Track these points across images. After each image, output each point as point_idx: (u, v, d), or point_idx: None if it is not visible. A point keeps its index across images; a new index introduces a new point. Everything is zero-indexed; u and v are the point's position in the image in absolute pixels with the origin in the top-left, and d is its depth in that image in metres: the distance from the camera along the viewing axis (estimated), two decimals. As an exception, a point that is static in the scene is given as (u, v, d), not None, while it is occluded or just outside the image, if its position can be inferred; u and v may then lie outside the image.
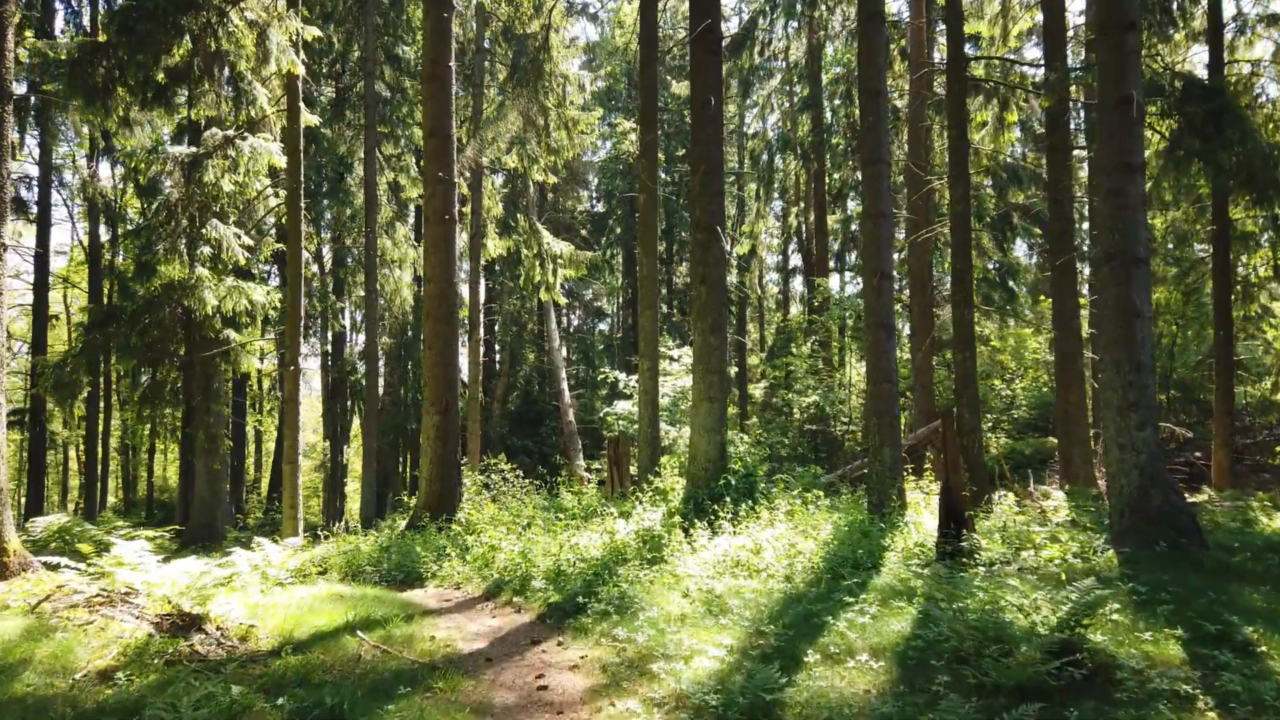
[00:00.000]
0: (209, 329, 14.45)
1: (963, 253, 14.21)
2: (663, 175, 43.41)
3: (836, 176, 31.54)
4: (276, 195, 15.62)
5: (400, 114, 28.03)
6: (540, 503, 19.16)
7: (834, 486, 16.61)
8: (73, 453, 47.45)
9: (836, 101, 30.28)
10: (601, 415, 30.15)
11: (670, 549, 10.05)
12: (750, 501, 11.83)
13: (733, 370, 38.57)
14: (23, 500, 35.83)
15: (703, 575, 9.03)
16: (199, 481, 18.26)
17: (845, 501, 12.24)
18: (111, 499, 46.09)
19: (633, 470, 22.53)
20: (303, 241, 14.85)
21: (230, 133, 13.72)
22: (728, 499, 11.63)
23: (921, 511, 12.09)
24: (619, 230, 42.96)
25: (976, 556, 9.17)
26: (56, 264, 37.66)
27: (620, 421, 24.37)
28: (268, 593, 9.93)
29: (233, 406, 31.83)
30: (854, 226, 32.51)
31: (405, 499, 17.10)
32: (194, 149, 13.60)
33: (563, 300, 27.32)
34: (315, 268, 33.23)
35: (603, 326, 49.40)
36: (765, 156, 29.42)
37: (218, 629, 7.42)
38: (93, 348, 13.90)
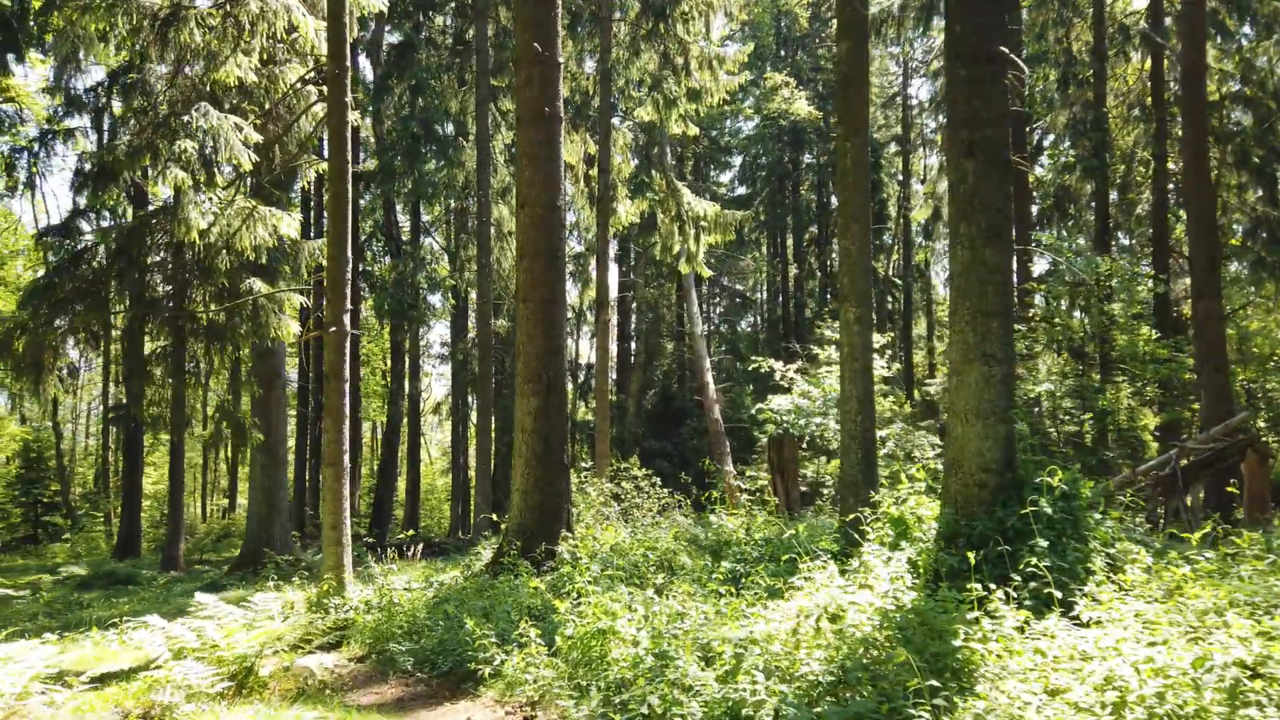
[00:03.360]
0: (215, 272, 9.86)
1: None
2: (807, 157, 37.46)
3: (1042, 122, 24.92)
4: (320, 94, 10.86)
5: (518, 62, 23.29)
6: (685, 526, 13.81)
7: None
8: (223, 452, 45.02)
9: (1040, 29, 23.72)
10: (753, 412, 24.55)
11: (972, 658, 4.45)
12: (1078, 545, 6.10)
13: (896, 366, 32.21)
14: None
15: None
16: (251, 489, 13.85)
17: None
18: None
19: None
20: (349, 153, 9.98)
21: (234, -16, 9.08)
22: (1040, 541, 5.90)
23: None
24: (764, 214, 37.22)
25: None
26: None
27: (786, 417, 18.67)
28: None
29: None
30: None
31: (494, 518, 12.10)
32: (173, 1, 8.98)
33: (706, 272, 21.94)
34: (432, 242, 28.94)
35: (743, 325, 43.59)
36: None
37: None
38: (45, 299, 9.50)
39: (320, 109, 10.39)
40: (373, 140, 25.43)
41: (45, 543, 30.72)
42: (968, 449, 6.73)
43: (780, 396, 21.91)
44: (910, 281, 37.07)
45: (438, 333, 39.81)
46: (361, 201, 26.52)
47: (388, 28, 25.53)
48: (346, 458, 10.23)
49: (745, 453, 25.18)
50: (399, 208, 27.93)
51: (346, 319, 10.10)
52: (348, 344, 10.16)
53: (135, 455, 24.07)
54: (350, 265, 10.16)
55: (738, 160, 41.03)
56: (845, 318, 8.33)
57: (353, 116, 10.91)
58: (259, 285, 10.34)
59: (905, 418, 24.76)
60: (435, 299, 31.00)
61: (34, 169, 24.11)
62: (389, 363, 31.22)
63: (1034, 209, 24.56)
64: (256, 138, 9.56)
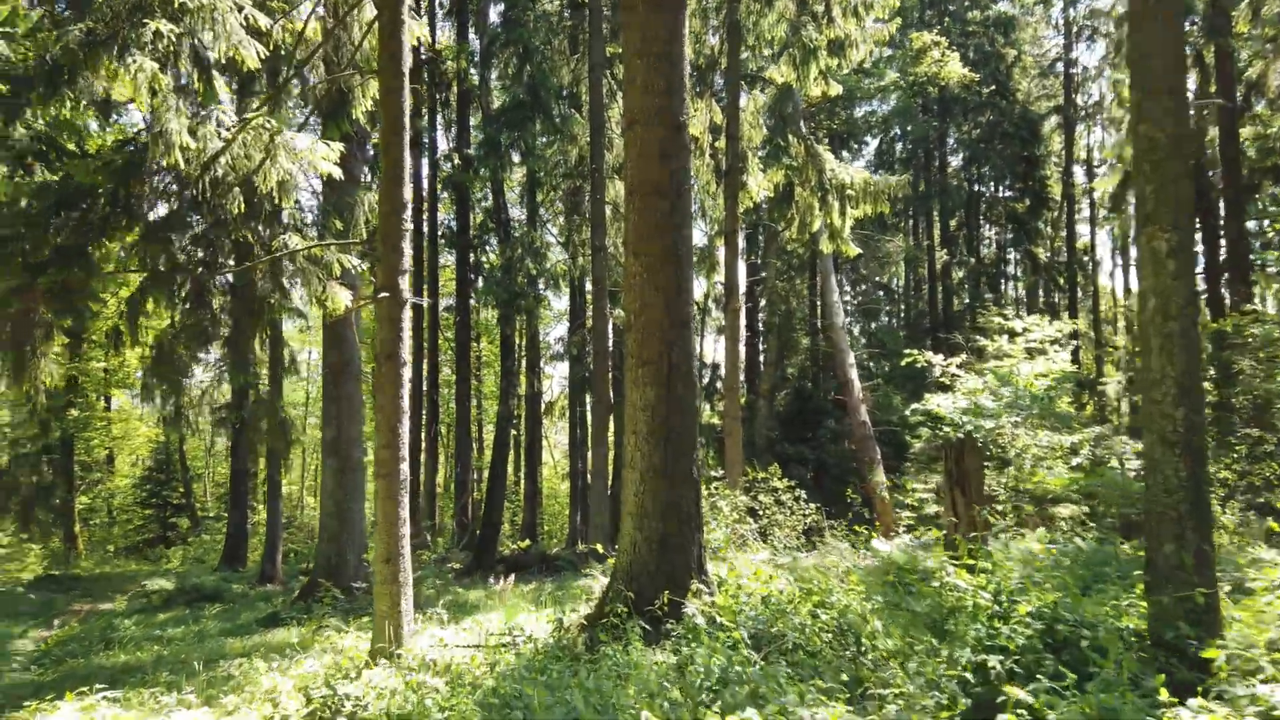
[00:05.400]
0: (229, 222, 7.36)
1: None
2: (951, 139, 33.24)
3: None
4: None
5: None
6: (844, 554, 10.73)
7: None
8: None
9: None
10: (908, 413, 20.95)
11: None
12: None
13: (1064, 357, 27.72)
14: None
15: None
16: (322, 499, 11.47)
17: None
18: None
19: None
20: (405, 63, 7.34)
21: None
22: None
23: None
24: (900, 200, 33.21)
25: None
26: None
27: (964, 418, 15.06)
28: None
29: (457, 375, 25.48)
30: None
31: (600, 549, 9.15)
32: None
33: (853, 250, 18.54)
34: (544, 229, 26.46)
35: (879, 321, 39.40)
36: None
37: None
38: (14, 256, 7.24)
39: (370, 11, 7.76)
40: (471, 131, 23.19)
41: (174, 545, 29.85)
42: None
43: (939, 395, 18.21)
44: (1074, 270, 32.45)
45: (557, 334, 37.60)
46: (473, 192, 24.35)
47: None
48: (405, 466, 7.54)
49: (897, 460, 21.58)
50: (510, 195, 25.65)
51: (404, 282, 7.42)
52: (407, 317, 7.48)
53: (241, 457, 22.49)
54: (409, 212, 7.48)
55: (871, 146, 37.11)
56: (1152, 250, 5.00)
57: (414, 26, 8.26)
58: (293, 239, 7.80)
59: (1083, 420, 20.81)
60: (551, 295, 28.64)
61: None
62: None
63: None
64: (265, 21, 7.01)
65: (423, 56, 24.01)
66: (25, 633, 10.49)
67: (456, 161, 22.50)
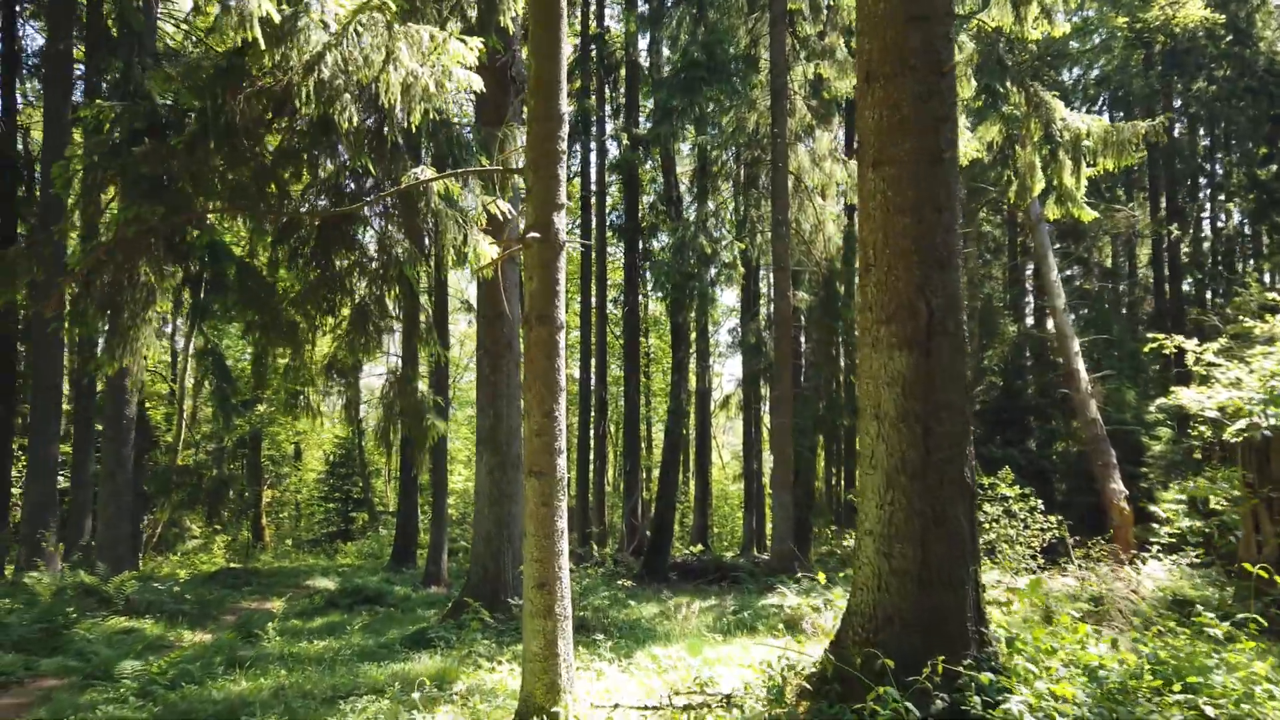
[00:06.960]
0: (345, 142, 5.66)
1: None
2: (1176, 103, 28.47)
3: None
4: None
5: (821, -25, 18.12)
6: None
7: None
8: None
9: None
10: (1154, 409, 17.46)
11: None
12: None
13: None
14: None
15: None
16: (477, 500, 9.86)
17: None
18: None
19: None
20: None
21: None
22: None
23: None
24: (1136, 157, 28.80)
25: None
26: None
27: (1267, 412, 11.71)
28: None
29: (626, 369, 23.73)
30: None
31: (828, 533, 6.85)
32: None
33: (1090, 215, 15.31)
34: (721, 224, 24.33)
35: (1091, 309, 34.67)
36: None
37: None
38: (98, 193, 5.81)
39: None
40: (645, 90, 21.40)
41: (353, 539, 29.87)
42: None
43: (1190, 390, 14.64)
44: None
45: (727, 327, 35.44)
46: (641, 176, 22.63)
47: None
48: (562, 462, 5.68)
49: (1133, 464, 18.07)
50: (681, 185, 23.75)
51: (559, 220, 5.56)
52: (562, 266, 5.62)
53: (410, 452, 21.69)
54: (565, 129, 5.62)
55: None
56: None
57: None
58: (422, 170, 6.05)
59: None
60: (722, 288, 26.55)
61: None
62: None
63: None
64: None
65: (590, 33, 22.61)
66: (161, 639, 9.47)
67: (625, 142, 20.86)
